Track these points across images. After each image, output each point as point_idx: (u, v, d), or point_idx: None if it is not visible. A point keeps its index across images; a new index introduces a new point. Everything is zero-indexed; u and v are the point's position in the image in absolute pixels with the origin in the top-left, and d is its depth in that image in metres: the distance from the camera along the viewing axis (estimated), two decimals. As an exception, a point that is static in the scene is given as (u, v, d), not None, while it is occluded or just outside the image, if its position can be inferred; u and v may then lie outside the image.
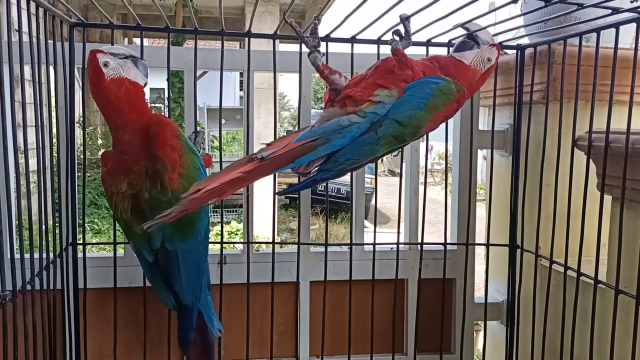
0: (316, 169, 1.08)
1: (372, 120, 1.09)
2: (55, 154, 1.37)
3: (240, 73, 1.57)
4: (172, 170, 1.21)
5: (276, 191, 1.17)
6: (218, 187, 0.94)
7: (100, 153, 11.07)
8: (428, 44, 1.51)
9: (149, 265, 1.28)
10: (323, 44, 1.48)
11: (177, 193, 1.20)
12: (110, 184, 1.26)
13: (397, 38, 1.22)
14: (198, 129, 1.48)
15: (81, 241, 1.46)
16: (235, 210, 8.87)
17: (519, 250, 1.58)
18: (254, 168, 0.97)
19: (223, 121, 1.51)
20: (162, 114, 1.35)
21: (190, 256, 1.27)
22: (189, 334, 1.30)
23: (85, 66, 1.24)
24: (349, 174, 1.42)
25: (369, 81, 1.16)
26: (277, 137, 1.60)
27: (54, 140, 1.34)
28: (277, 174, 1.52)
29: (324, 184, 1.49)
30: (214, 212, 9.17)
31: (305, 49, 1.26)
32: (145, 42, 1.47)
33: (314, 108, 1.41)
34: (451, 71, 1.23)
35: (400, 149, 1.47)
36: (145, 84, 1.29)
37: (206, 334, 1.34)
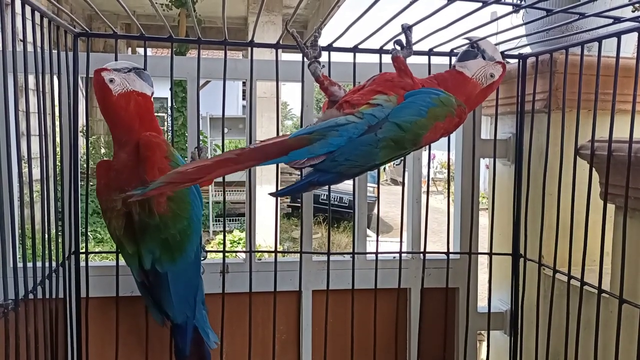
0: (313, 166, 1.05)
1: (370, 122, 1.07)
2: (58, 163, 1.38)
3: (243, 82, 1.57)
4: (159, 195, 1.18)
5: (273, 192, 1.13)
6: (207, 165, 0.93)
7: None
8: (430, 53, 1.52)
9: (138, 283, 1.29)
10: (325, 53, 1.49)
11: (165, 217, 1.21)
12: (106, 199, 1.25)
13: (398, 47, 1.23)
14: (201, 144, 1.48)
15: (84, 250, 1.46)
16: (238, 219, 8.88)
17: (522, 260, 1.58)
18: (244, 152, 0.96)
19: (226, 130, 1.51)
20: (163, 126, 1.34)
21: (180, 278, 1.26)
22: (185, 349, 1.31)
23: (92, 86, 1.25)
24: (350, 181, 1.42)
25: (367, 89, 1.16)
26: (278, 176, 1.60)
27: (58, 149, 1.34)
28: (279, 181, 1.53)
29: (327, 193, 1.49)
30: (216, 221, 9.20)
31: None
32: (149, 51, 1.48)
33: (317, 117, 1.41)
34: (449, 85, 1.21)
35: (402, 158, 1.47)
36: (152, 93, 1.29)
37: (202, 347, 1.34)
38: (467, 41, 1.30)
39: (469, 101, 1.23)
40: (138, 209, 1.20)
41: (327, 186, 1.17)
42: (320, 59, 1.25)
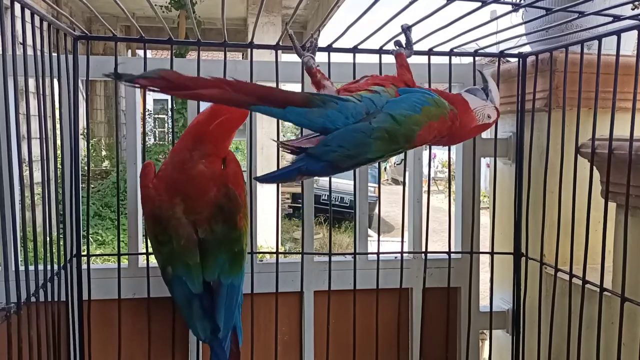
0: (304, 151, 0.99)
1: (368, 107, 1.03)
2: (59, 166, 1.38)
3: (243, 83, 1.57)
4: (242, 211, 1.27)
5: (258, 177, 1.04)
6: (204, 79, 0.89)
7: (105, 164, 11.12)
8: (430, 52, 1.51)
9: (189, 296, 1.26)
10: (325, 53, 1.49)
11: (240, 232, 1.27)
12: (160, 201, 1.23)
13: (397, 48, 1.23)
14: None
15: (85, 253, 1.46)
16: (239, 220, 8.86)
17: (523, 259, 1.58)
18: (247, 83, 0.93)
19: (226, 131, 1.51)
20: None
21: (235, 290, 1.29)
22: (224, 357, 1.32)
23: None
24: (351, 181, 1.42)
25: (363, 82, 1.14)
26: (279, 148, 1.60)
27: (58, 152, 1.34)
28: (280, 185, 1.53)
29: (327, 193, 1.48)
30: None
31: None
32: (149, 53, 1.48)
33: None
34: (454, 104, 1.20)
35: (402, 158, 1.46)
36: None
37: (237, 344, 1.37)
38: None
39: (462, 130, 1.21)
40: (217, 221, 1.23)
41: (315, 176, 1.10)
42: (316, 59, 1.25)
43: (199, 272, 1.24)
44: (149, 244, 1.34)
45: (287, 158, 1.07)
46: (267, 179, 1.02)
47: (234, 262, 1.26)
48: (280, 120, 1.57)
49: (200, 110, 1.52)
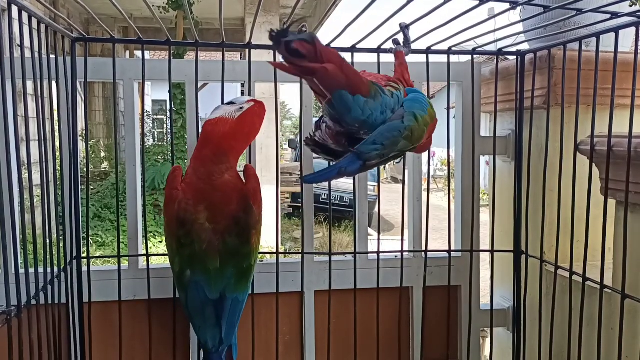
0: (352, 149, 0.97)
1: (395, 105, 1.02)
2: (58, 168, 1.38)
3: (242, 84, 1.57)
4: (256, 227, 1.28)
5: (303, 176, 1.06)
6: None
7: (104, 166, 11.11)
8: (428, 51, 1.51)
9: (205, 302, 1.26)
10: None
11: (251, 248, 1.27)
12: (186, 204, 1.24)
13: (395, 46, 1.22)
14: None
15: (85, 254, 1.46)
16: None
17: (523, 256, 1.58)
18: (343, 66, 0.88)
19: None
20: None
21: (240, 305, 1.29)
22: None
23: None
24: (351, 180, 1.41)
25: (372, 75, 1.09)
26: (279, 147, 1.60)
27: (57, 154, 1.34)
28: (280, 181, 1.53)
29: (327, 193, 1.48)
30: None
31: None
32: (147, 54, 1.48)
33: (316, 117, 1.40)
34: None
35: (402, 156, 1.46)
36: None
37: (232, 358, 1.36)
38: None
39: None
40: (233, 233, 1.24)
41: (347, 176, 1.05)
42: None
43: (217, 277, 1.24)
44: (149, 246, 1.34)
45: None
46: (312, 179, 1.02)
47: (240, 277, 1.27)
48: (279, 120, 1.58)
49: (200, 112, 1.52)
